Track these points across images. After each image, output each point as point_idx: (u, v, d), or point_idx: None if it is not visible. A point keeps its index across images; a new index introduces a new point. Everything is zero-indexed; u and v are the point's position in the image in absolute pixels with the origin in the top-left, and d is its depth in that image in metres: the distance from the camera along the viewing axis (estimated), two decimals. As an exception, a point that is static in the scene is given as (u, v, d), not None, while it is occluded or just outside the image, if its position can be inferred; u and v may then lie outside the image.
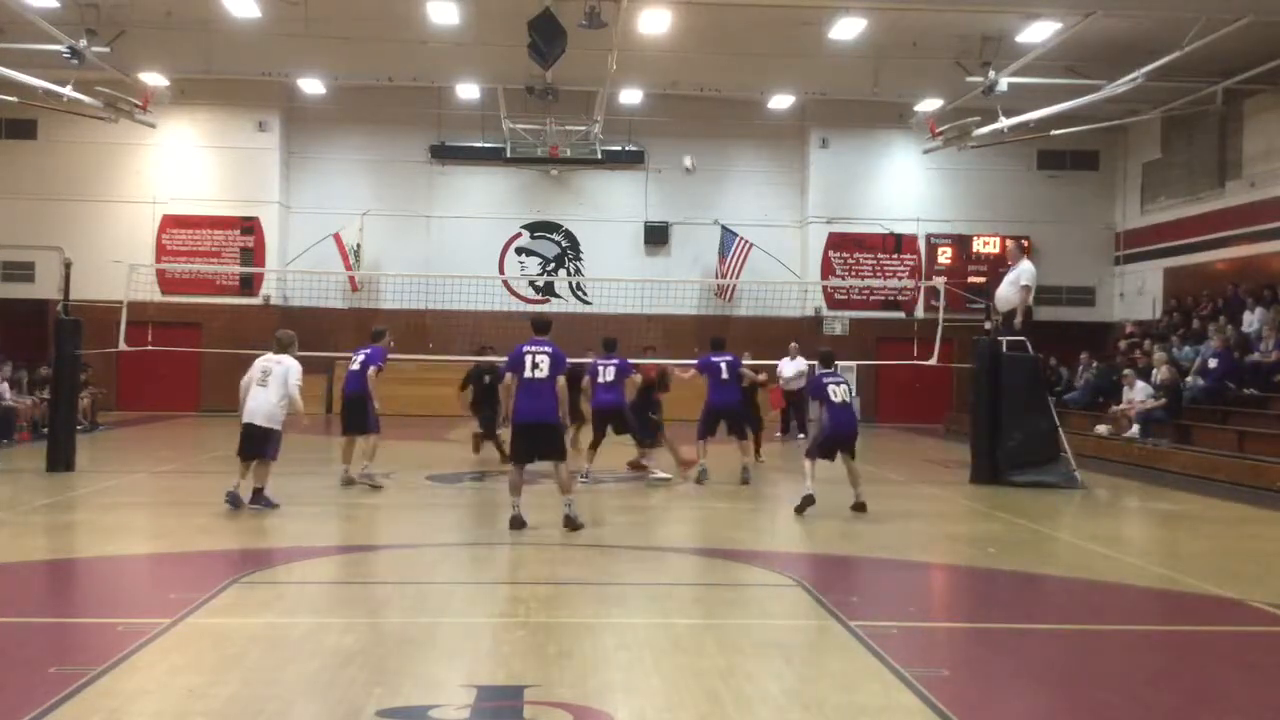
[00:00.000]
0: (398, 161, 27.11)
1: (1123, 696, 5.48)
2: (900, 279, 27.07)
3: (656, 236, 27.32)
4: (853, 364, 19.85)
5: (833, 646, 6.28)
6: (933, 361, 17.59)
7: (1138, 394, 18.70)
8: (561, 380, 10.00)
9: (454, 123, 26.80)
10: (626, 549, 9.76)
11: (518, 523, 9.88)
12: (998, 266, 23.95)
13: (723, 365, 13.88)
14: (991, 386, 14.36)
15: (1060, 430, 14.81)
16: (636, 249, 27.35)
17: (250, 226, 26.42)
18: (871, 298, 27.21)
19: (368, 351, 13.12)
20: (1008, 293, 14.93)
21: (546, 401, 9.89)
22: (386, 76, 23.10)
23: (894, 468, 16.32)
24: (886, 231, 27.36)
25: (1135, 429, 18.16)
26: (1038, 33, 19.14)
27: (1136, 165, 26.68)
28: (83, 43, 18.97)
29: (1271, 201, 21.65)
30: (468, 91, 25.09)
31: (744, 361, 14.96)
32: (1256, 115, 22.17)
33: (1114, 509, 13.51)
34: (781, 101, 25.19)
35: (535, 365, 9.88)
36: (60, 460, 13.67)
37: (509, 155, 26.59)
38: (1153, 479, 15.71)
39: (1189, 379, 18.82)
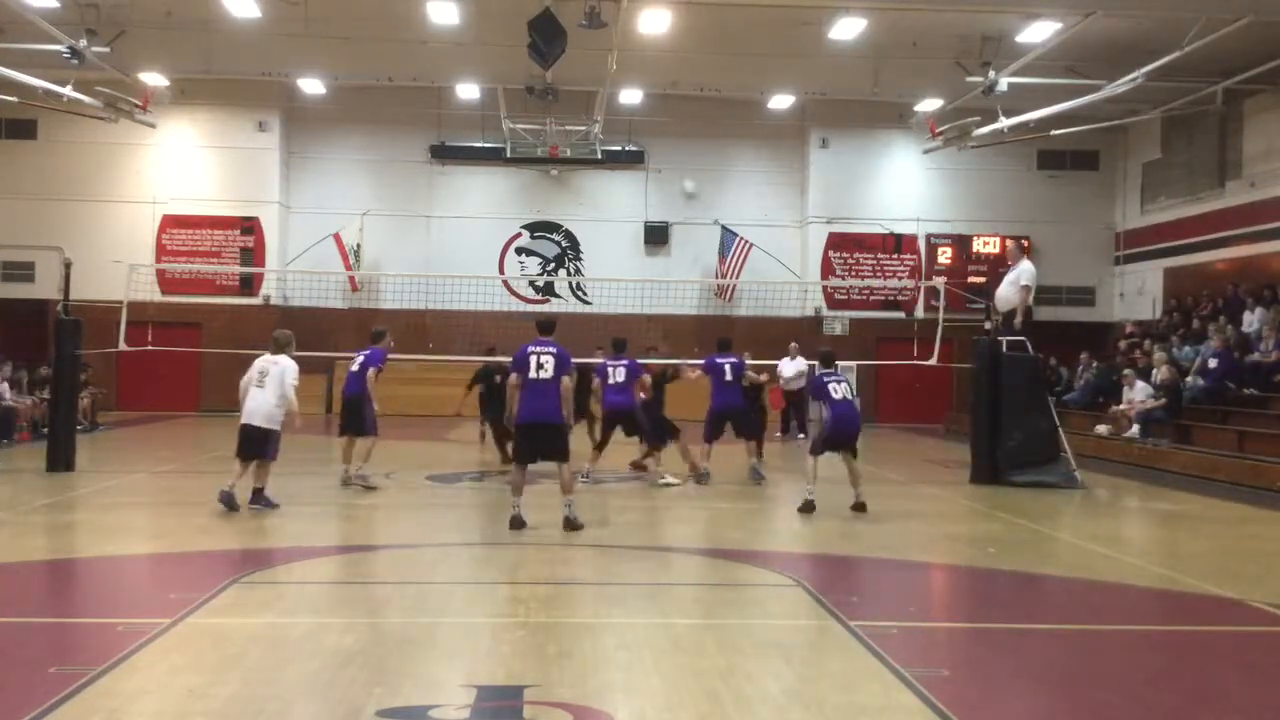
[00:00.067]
0: (398, 161, 27.11)
1: (1123, 696, 5.48)
2: (900, 279, 27.07)
3: (656, 236, 27.32)
4: (853, 364, 19.85)
5: (833, 646, 6.28)
6: (933, 361, 17.59)
7: (1138, 394, 18.70)
8: (566, 380, 10.00)
9: (454, 123, 26.80)
10: (626, 549, 9.76)
11: (518, 523, 9.88)
12: (998, 266, 23.94)
13: (726, 367, 13.87)
14: (991, 386, 14.36)
15: (1060, 430, 14.81)
16: (636, 249, 27.35)
17: (250, 226, 26.42)
18: (871, 298, 27.21)
19: (367, 353, 13.13)
20: (1008, 293, 14.93)
21: (551, 402, 9.90)
22: (386, 76, 23.10)
23: (894, 468, 16.32)
24: (886, 231, 27.36)
25: (1135, 429, 18.16)
26: (1038, 33, 19.14)
27: (1136, 165, 26.68)
28: (83, 43, 18.97)
29: (1271, 201, 21.65)
30: (468, 91, 25.09)
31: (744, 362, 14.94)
32: (1256, 115, 22.17)
33: (1114, 509, 13.51)
34: (781, 101, 25.19)
35: (540, 365, 9.89)
36: (60, 460, 13.67)
37: (509, 155, 26.58)
38: (1153, 479, 15.71)
39: (1189, 379, 18.82)
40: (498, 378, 14.81)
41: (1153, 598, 8.17)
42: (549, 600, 7.44)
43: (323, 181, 27.06)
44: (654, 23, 19.15)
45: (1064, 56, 19.82)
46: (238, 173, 26.41)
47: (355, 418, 12.83)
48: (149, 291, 22.21)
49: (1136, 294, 26.59)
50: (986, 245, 27.16)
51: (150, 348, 19.07)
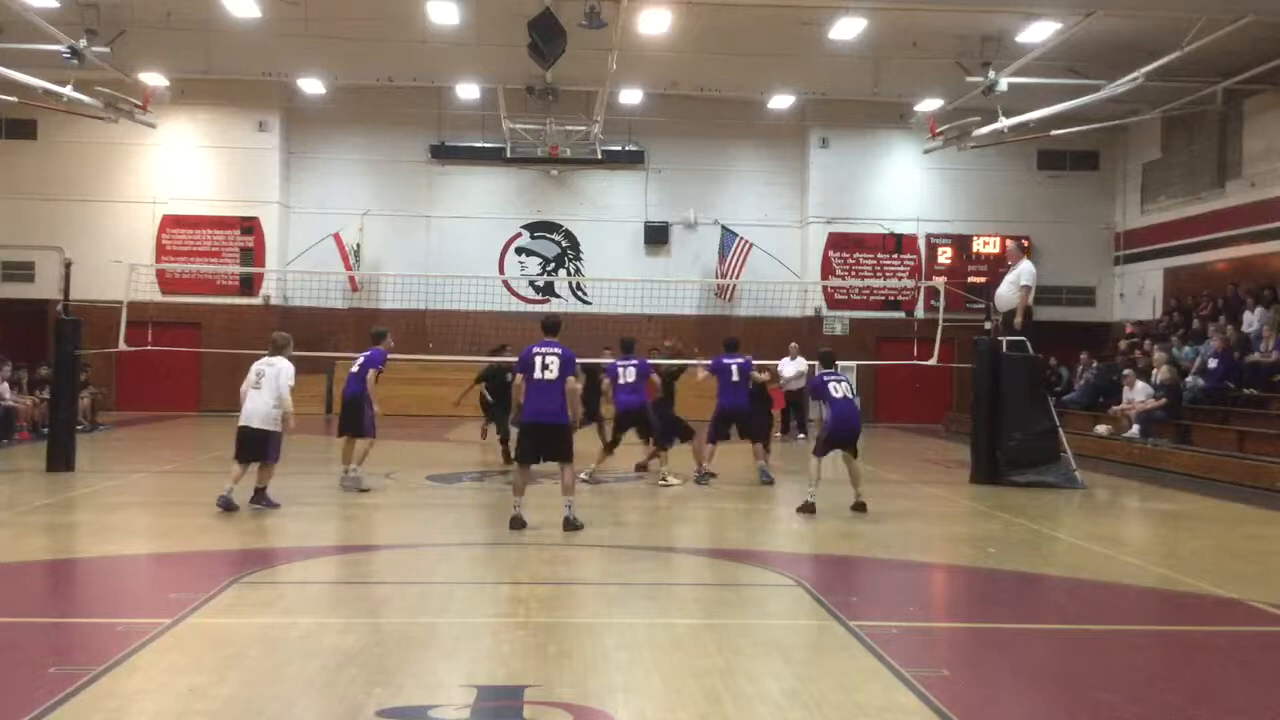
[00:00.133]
0: (398, 161, 27.12)
1: (1123, 696, 5.48)
2: (900, 279, 27.07)
3: (656, 236, 27.32)
4: (853, 364, 19.86)
5: (833, 646, 6.28)
6: (933, 361, 17.59)
7: (1138, 394, 18.71)
8: (572, 381, 10.02)
9: (454, 123, 26.80)
10: (626, 549, 9.76)
11: (518, 523, 9.89)
12: (998, 266, 23.99)
13: (733, 367, 13.88)
14: (991, 386, 14.36)
15: (1060, 430, 14.81)
16: (636, 249, 27.35)
17: (250, 226, 26.43)
18: (871, 298, 27.21)
19: (368, 353, 13.11)
20: (1008, 293, 14.93)
21: (556, 402, 9.91)
22: (386, 76, 23.10)
23: (894, 468, 16.33)
24: (886, 231, 27.37)
25: (1135, 429, 18.16)
26: (1038, 33, 19.15)
27: (1136, 165, 26.68)
28: (83, 43, 18.97)
29: (1271, 201, 21.66)
30: (468, 91, 25.09)
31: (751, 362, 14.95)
32: (1256, 115, 22.17)
33: (1114, 509, 13.51)
34: (781, 101, 25.19)
35: (545, 366, 9.91)
36: (60, 460, 13.67)
37: (509, 155, 26.58)
38: (1153, 479, 15.71)
39: (1189, 379, 18.83)
40: (509, 376, 14.84)
41: (1152, 597, 8.17)
42: (549, 600, 7.44)
43: (323, 181, 27.06)
44: (654, 23, 19.16)
45: (1064, 56, 19.83)
46: (238, 173, 26.41)
47: (354, 418, 12.82)
48: (149, 291, 22.17)
49: (1136, 294, 26.59)
50: (986, 245, 27.16)
51: (150, 348, 19.05)
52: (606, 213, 27.42)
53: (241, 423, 10.83)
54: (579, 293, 27.06)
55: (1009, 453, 14.07)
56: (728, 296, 26.98)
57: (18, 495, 12.11)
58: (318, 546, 9.75)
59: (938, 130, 22.05)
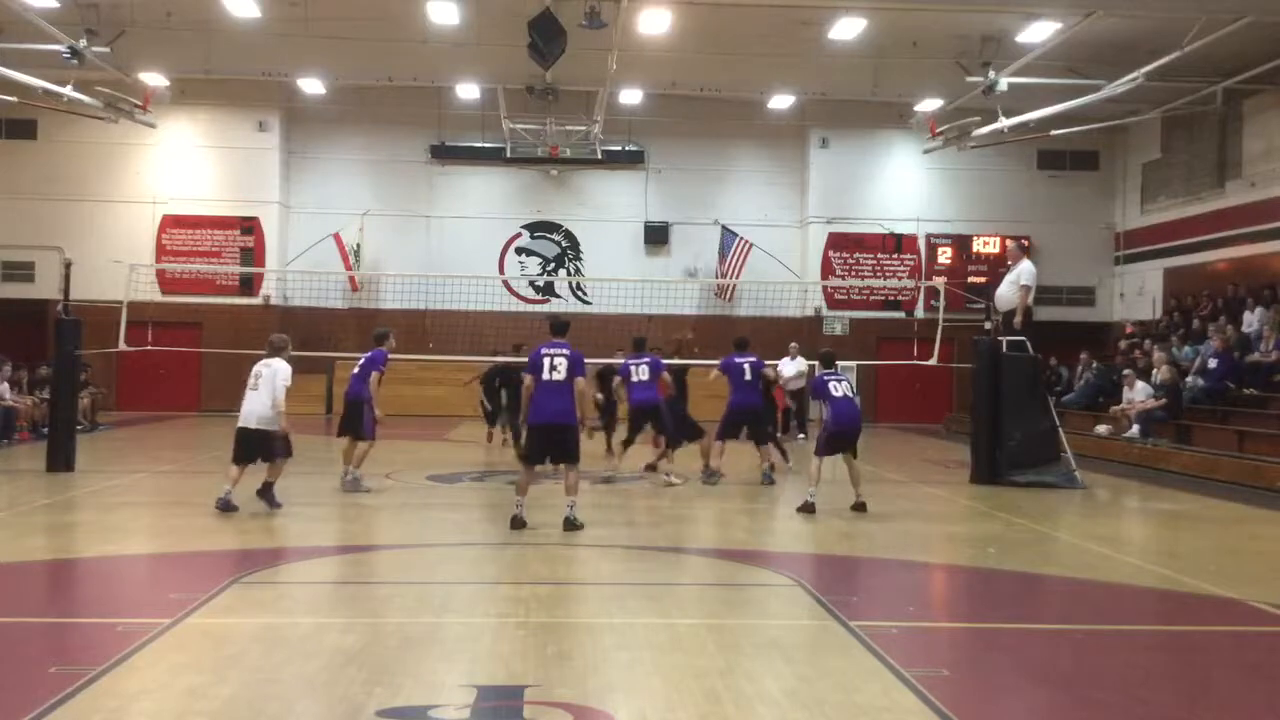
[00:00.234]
0: (398, 161, 27.11)
1: (1123, 696, 5.48)
2: (900, 279, 27.07)
3: (656, 236, 27.32)
4: (853, 364, 19.87)
5: (833, 646, 6.28)
6: (933, 361, 17.61)
7: (1138, 394, 18.71)
8: (581, 381, 10.03)
9: (454, 123, 26.79)
10: (627, 549, 9.76)
11: (518, 523, 9.90)
12: (998, 266, 23.98)
13: (746, 366, 13.88)
14: (991, 386, 14.35)
15: (1060, 430, 14.81)
16: (636, 249, 27.35)
17: (250, 226, 26.42)
18: (871, 298, 27.21)
19: (370, 354, 13.07)
20: (1008, 293, 14.92)
21: (564, 403, 9.93)
22: (386, 76, 23.09)
23: (894, 468, 16.32)
24: (886, 231, 27.37)
25: (1135, 429, 18.16)
26: (1038, 33, 19.15)
27: (1136, 165, 26.68)
28: (83, 43, 18.97)
29: (1271, 201, 21.65)
30: (468, 91, 25.08)
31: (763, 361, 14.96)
32: (1256, 115, 22.17)
33: (1114, 509, 13.51)
34: (781, 101, 25.19)
35: (553, 367, 9.93)
36: (60, 460, 13.66)
37: (509, 155, 26.57)
38: (1153, 479, 15.71)
39: (1189, 379, 18.82)
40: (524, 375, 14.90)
41: (1153, 598, 8.17)
42: (549, 600, 7.44)
43: (323, 181, 27.06)
44: (654, 23, 19.15)
45: (1064, 56, 19.82)
46: (238, 173, 26.41)
47: (353, 420, 12.81)
48: (149, 291, 22.21)
49: (1136, 294, 26.59)
50: (986, 245, 27.16)
51: (150, 348, 19.09)
52: (606, 213, 27.42)
53: (239, 424, 10.84)
54: (579, 293, 27.06)
55: (1009, 453, 14.07)
56: (728, 296, 26.98)
57: (18, 495, 12.11)
58: (318, 546, 9.75)
59: (938, 130, 22.05)
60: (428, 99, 25.79)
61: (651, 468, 14.54)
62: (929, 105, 23.17)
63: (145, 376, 25.05)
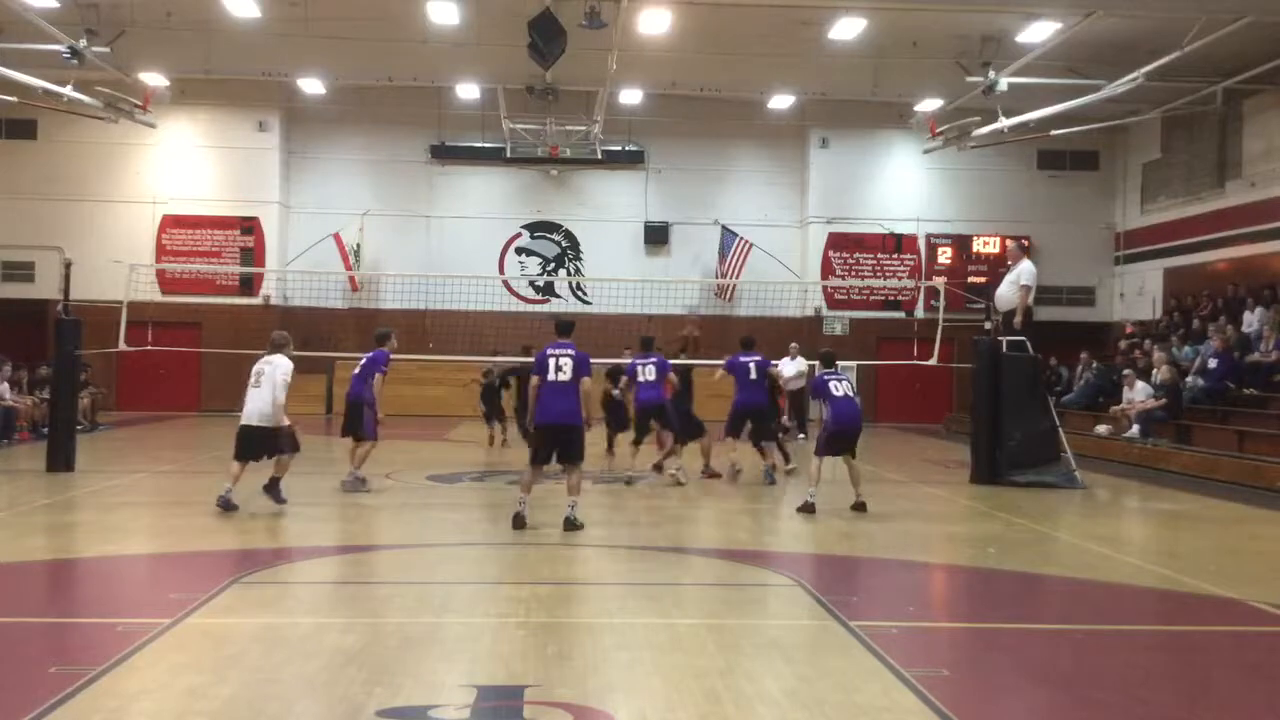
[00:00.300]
0: (398, 161, 27.11)
1: (1123, 696, 5.48)
2: (900, 279, 27.07)
3: (656, 236, 27.32)
4: (853, 364, 19.87)
5: (833, 646, 6.28)
6: (933, 361, 17.61)
7: (1138, 394, 18.71)
8: (587, 381, 10.05)
9: (454, 123, 26.79)
10: (627, 549, 9.76)
11: (519, 520, 9.91)
12: (998, 266, 23.99)
13: (751, 365, 13.90)
14: (991, 386, 14.35)
15: (1060, 430, 14.81)
16: (636, 249, 27.35)
17: (250, 226, 26.42)
18: (871, 298, 27.21)
19: (371, 355, 13.05)
20: (1008, 293, 14.92)
21: (570, 403, 9.95)
22: (386, 76, 23.08)
23: (894, 468, 16.32)
24: (886, 231, 27.37)
25: (1135, 429, 18.16)
26: (1038, 33, 19.15)
27: (1136, 165, 26.68)
28: (83, 43, 18.97)
29: (1271, 201, 21.65)
30: (468, 91, 25.08)
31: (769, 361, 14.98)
32: (1256, 115, 22.17)
33: (1114, 509, 13.51)
34: (781, 101, 25.18)
35: (559, 368, 9.96)
36: (60, 460, 13.66)
37: (509, 155, 26.57)
38: (1153, 479, 15.71)
39: (1189, 379, 18.82)
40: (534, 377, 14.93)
41: (1153, 598, 8.17)
42: (549, 600, 7.44)
43: (323, 181, 27.05)
44: (654, 23, 19.15)
45: (1064, 56, 19.82)
46: (238, 173, 26.40)
47: (353, 421, 12.80)
48: (149, 291, 22.22)
49: (1136, 294, 26.59)
50: (986, 245, 27.16)
51: (150, 348, 19.09)
52: (606, 213, 27.42)
53: (242, 422, 10.84)
54: (579, 293, 27.06)
55: (1009, 453, 14.07)
56: (728, 297, 26.98)
57: (18, 495, 12.11)
58: (318, 546, 9.76)
59: (938, 130, 22.05)
60: (428, 99, 25.78)
61: (658, 467, 14.55)
62: (929, 105, 23.17)
63: (145, 376, 25.05)
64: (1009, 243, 21.32)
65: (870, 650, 6.05)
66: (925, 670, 5.65)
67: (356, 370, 13.06)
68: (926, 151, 24.46)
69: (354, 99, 25.97)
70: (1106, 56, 19.82)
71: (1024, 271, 14.81)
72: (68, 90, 19.90)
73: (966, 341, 16.72)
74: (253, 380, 10.86)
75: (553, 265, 27.49)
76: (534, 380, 10.19)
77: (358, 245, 26.12)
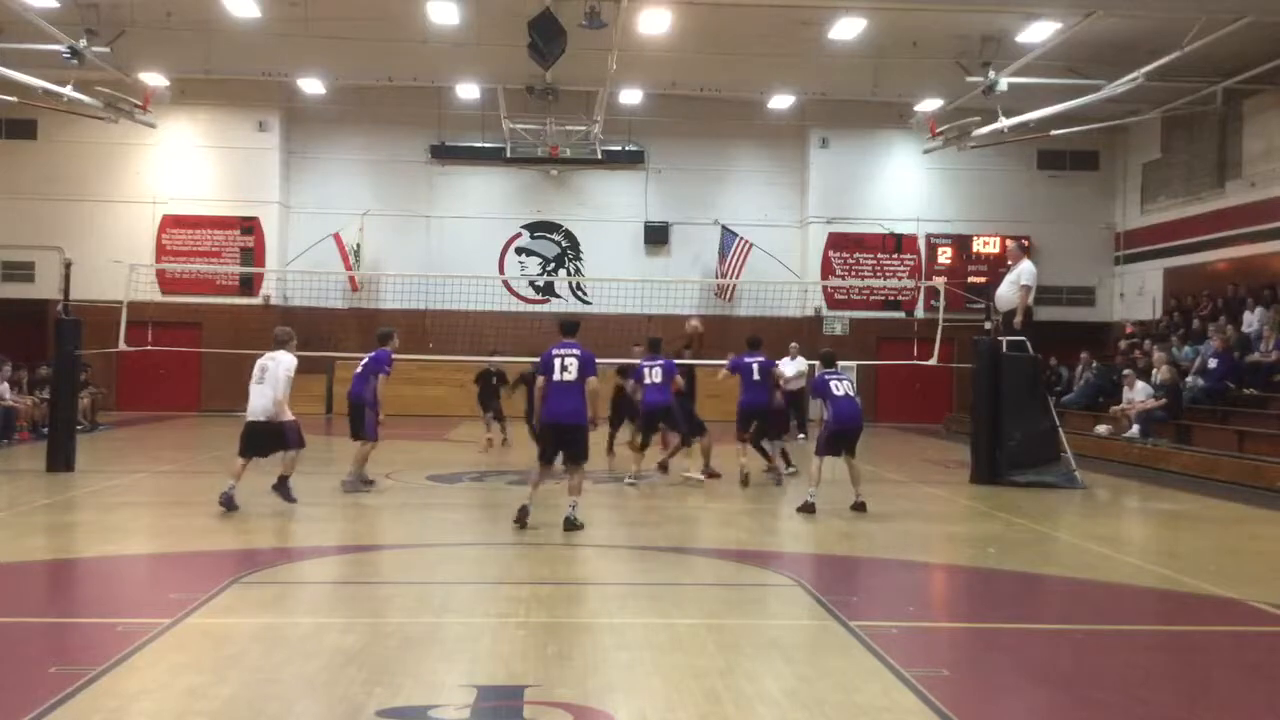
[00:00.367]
0: (398, 161, 27.11)
1: (1123, 696, 5.48)
2: (900, 279, 27.08)
3: (656, 236, 27.32)
4: (853, 364, 19.86)
5: (833, 646, 6.28)
6: (933, 361, 17.60)
7: (1138, 394, 18.71)
8: (592, 380, 10.06)
9: (454, 123, 26.79)
10: (627, 549, 9.76)
11: (523, 514, 9.92)
12: (998, 266, 23.99)
13: (754, 366, 13.87)
14: (991, 386, 14.35)
15: (1060, 430, 14.81)
16: (636, 249, 27.35)
17: (250, 226, 26.42)
18: (871, 298, 27.22)
19: (373, 355, 13.02)
20: (1008, 293, 14.93)
21: (575, 403, 9.99)
22: (386, 76, 23.08)
23: (894, 468, 16.32)
24: (886, 231, 27.37)
25: (1135, 429, 18.16)
26: (1038, 33, 19.14)
27: (1136, 165, 26.68)
28: (83, 43, 18.96)
29: (1271, 201, 21.65)
30: (468, 91, 25.08)
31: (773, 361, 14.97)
32: (1256, 115, 22.17)
33: (1114, 509, 13.51)
34: (781, 101, 25.18)
35: (564, 368, 9.98)
36: (60, 460, 13.66)
37: (509, 155, 26.57)
38: (1153, 479, 15.71)
39: (1189, 379, 18.82)
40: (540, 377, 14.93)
41: (1153, 598, 8.17)
42: (549, 600, 7.44)
43: (323, 181, 27.05)
44: (654, 23, 19.15)
45: (1064, 56, 19.82)
46: (238, 173, 26.40)
47: (355, 422, 12.80)
48: (149, 291, 22.21)
49: (1136, 294, 26.59)
50: (986, 245, 27.16)
51: (150, 348, 19.08)
52: (606, 213, 27.42)
53: (248, 419, 10.84)
54: (579, 293, 27.06)
55: (1009, 453, 14.07)
56: (728, 297, 26.98)
57: (18, 495, 12.11)
58: (317, 546, 9.75)
59: (938, 130, 22.05)
60: (428, 99, 25.78)
61: (663, 466, 14.55)
62: (929, 105, 23.17)
63: (145, 376, 25.05)
64: (1009, 243, 21.31)
65: (870, 650, 6.05)
66: (925, 670, 5.65)
67: (358, 369, 13.04)
68: (926, 151, 24.46)
69: (354, 99, 25.97)
70: (1106, 56, 19.82)
71: (1024, 271, 14.81)
72: (68, 90, 19.90)
73: (966, 341, 16.71)
74: (256, 376, 10.86)
75: (553, 265, 27.49)
76: (539, 380, 10.22)
77: (358, 245, 26.12)
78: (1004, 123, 21.17)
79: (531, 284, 27.38)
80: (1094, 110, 20.96)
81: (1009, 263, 16.00)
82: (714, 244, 26.94)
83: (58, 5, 18.87)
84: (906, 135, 25.72)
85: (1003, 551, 9.67)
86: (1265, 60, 19.84)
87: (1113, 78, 19.09)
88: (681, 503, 12.56)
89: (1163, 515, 12.97)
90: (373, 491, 12.45)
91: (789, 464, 14.93)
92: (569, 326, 10.57)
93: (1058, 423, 14.86)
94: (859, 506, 11.37)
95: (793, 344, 20.23)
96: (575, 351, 10.10)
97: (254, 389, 10.83)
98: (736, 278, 26.49)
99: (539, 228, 27.51)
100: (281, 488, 10.86)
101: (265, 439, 10.78)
